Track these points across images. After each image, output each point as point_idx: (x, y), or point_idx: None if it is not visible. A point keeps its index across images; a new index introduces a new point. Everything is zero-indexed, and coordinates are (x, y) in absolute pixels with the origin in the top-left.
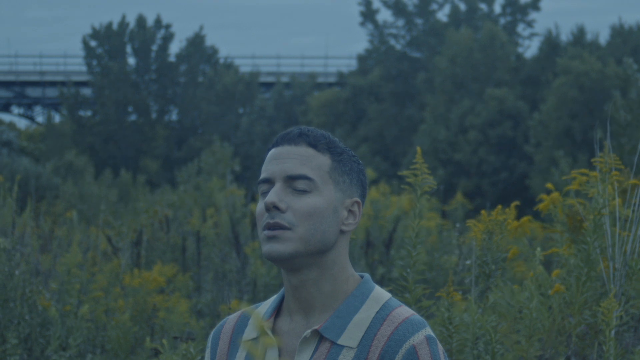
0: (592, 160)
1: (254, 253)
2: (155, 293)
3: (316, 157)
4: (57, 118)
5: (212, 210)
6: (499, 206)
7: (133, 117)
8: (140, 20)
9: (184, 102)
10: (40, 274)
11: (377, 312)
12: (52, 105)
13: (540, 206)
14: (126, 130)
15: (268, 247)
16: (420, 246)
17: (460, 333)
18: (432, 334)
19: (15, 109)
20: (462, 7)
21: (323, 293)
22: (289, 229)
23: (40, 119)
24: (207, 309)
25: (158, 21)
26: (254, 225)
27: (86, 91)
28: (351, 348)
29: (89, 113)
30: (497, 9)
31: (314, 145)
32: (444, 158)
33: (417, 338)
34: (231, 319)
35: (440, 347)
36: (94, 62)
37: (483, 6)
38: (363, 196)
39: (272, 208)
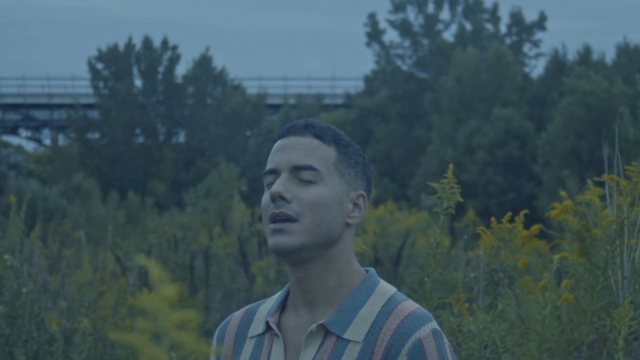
0: (600, 179)
1: (261, 272)
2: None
3: (322, 148)
4: (64, 140)
5: (219, 228)
6: (509, 213)
7: (140, 139)
8: (147, 42)
9: (191, 124)
10: (49, 292)
11: (383, 306)
12: (60, 127)
13: (553, 213)
14: (133, 153)
15: (274, 240)
16: (439, 256)
17: (468, 342)
18: (438, 327)
19: (23, 132)
20: (468, 27)
21: (328, 287)
22: (295, 219)
23: (47, 141)
24: (216, 327)
25: (165, 43)
26: (260, 244)
27: (94, 113)
28: (357, 342)
29: (96, 135)
30: (503, 28)
31: (319, 136)
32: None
33: (424, 331)
34: (236, 316)
35: (446, 340)
36: (101, 84)
37: (489, 26)
38: (368, 190)
39: (277, 198)
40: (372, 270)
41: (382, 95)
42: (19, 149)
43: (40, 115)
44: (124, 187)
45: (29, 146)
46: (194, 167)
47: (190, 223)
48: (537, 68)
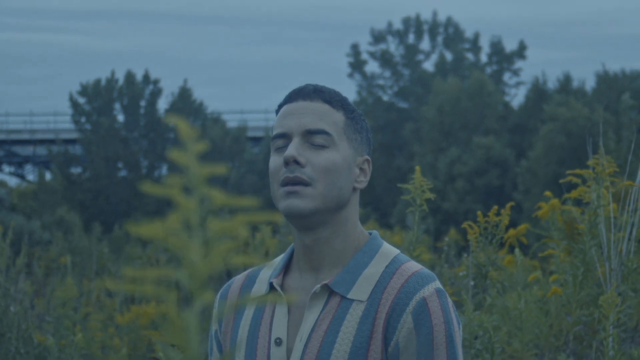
0: (588, 162)
1: None
2: (150, 328)
3: (332, 113)
4: (48, 176)
5: None
6: (495, 207)
7: (123, 173)
8: (129, 77)
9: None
10: (35, 312)
11: (387, 267)
12: (43, 163)
13: (539, 213)
14: (116, 186)
15: (288, 203)
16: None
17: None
18: (441, 287)
19: (6, 168)
20: (449, 56)
21: (334, 250)
22: (309, 184)
23: (31, 177)
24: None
25: (146, 77)
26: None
27: (76, 148)
28: (361, 302)
29: (79, 170)
30: (484, 58)
31: (329, 101)
32: (432, 207)
33: (427, 290)
34: (238, 279)
35: (450, 300)
36: (83, 119)
37: (469, 55)
38: (370, 155)
39: (291, 162)
40: (375, 232)
41: None
42: (2, 184)
43: (23, 151)
44: (107, 220)
45: (12, 182)
46: None
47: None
48: (517, 97)
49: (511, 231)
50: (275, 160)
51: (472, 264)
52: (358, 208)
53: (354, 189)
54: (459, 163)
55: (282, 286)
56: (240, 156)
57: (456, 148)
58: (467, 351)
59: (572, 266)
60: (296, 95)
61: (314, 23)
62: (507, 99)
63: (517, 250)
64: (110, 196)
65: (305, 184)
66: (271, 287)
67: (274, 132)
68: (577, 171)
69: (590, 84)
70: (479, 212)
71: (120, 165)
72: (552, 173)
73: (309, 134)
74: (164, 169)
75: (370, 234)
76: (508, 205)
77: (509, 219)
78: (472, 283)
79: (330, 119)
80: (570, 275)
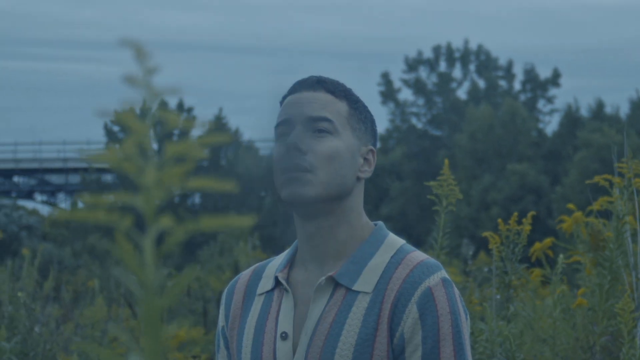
0: (615, 165)
1: None
2: (177, 351)
3: (335, 102)
4: (80, 204)
5: (230, 273)
6: (515, 214)
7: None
8: (162, 105)
9: None
10: (61, 334)
11: (392, 257)
12: (75, 191)
13: (563, 226)
14: None
15: (289, 190)
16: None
17: (481, 342)
18: (447, 276)
19: (39, 196)
20: (482, 84)
21: (338, 240)
22: (309, 171)
23: (63, 205)
24: None
25: (180, 105)
26: None
27: (108, 177)
28: (367, 293)
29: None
30: (517, 85)
31: (332, 91)
32: (467, 234)
33: (433, 280)
34: (244, 274)
35: (456, 290)
36: (117, 147)
37: (503, 83)
38: (375, 146)
39: (293, 149)
40: (380, 223)
41: (397, 154)
42: (34, 212)
43: (56, 179)
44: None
45: (45, 210)
46: None
47: (204, 277)
48: (551, 124)
49: (537, 245)
50: (278, 148)
51: (495, 273)
52: (362, 198)
53: (358, 179)
54: (493, 190)
55: (287, 280)
56: (273, 184)
57: (490, 175)
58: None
59: (598, 275)
60: (299, 86)
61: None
62: (541, 126)
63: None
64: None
65: (306, 170)
66: (277, 281)
67: (277, 121)
68: (606, 176)
69: (624, 110)
70: (499, 220)
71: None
72: (586, 199)
73: (311, 121)
74: (196, 197)
75: (375, 224)
76: (529, 214)
77: (531, 229)
78: (497, 296)
79: (333, 108)
80: (596, 285)
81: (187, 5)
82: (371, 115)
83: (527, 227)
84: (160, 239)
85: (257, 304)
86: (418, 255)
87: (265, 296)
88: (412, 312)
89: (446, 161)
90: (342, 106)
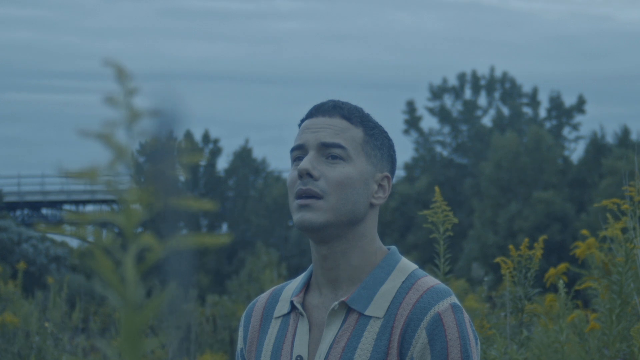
0: (623, 188)
1: None
2: None
3: (350, 129)
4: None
5: None
6: (526, 239)
7: (183, 232)
8: (188, 136)
9: (233, 216)
10: None
11: (403, 282)
12: (103, 223)
13: (577, 252)
14: None
15: (300, 216)
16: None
17: None
18: (457, 302)
19: (67, 228)
20: (506, 112)
21: (351, 265)
22: (321, 197)
23: (91, 237)
24: None
25: (206, 136)
26: None
27: (137, 208)
28: (378, 318)
29: (139, 229)
30: (542, 112)
31: (347, 117)
32: (494, 263)
33: (442, 305)
34: (262, 297)
35: (466, 315)
36: (142, 179)
37: (528, 110)
38: (392, 172)
39: (305, 175)
40: (393, 247)
41: (422, 182)
42: (63, 244)
43: (84, 211)
44: (165, 278)
45: (74, 242)
46: (236, 259)
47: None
48: (576, 151)
49: (551, 270)
50: (291, 173)
51: (508, 298)
52: (377, 224)
53: (372, 205)
54: (519, 218)
55: (303, 304)
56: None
57: (515, 203)
58: None
59: (609, 299)
60: (316, 111)
61: (367, 81)
62: (566, 153)
63: (560, 286)
64: (170, 254)
65: (318, 197)
66: (292, 305)
67: (293, 145)
68: (615, 200)
69: None
70: (510, 246)
71: (180, 224)
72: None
73: (324, 147)
74: (224, 228)
75: (389, 249)
76: (541, 238)
77: (543, 253)
78: (510, 322)
79: (348, 134)
80: (607, 309)
81: (210, 35)
82: (389, 141)
83: (538, 252)
84: (140, 257)
85: (274, 327)
86: (428, 281)
87: (282, 319)
88: (421, 338)
89: (437, 188)
90: (357, 132)
